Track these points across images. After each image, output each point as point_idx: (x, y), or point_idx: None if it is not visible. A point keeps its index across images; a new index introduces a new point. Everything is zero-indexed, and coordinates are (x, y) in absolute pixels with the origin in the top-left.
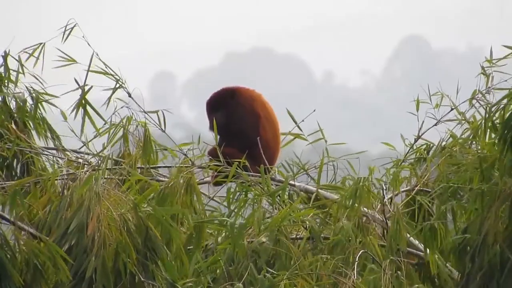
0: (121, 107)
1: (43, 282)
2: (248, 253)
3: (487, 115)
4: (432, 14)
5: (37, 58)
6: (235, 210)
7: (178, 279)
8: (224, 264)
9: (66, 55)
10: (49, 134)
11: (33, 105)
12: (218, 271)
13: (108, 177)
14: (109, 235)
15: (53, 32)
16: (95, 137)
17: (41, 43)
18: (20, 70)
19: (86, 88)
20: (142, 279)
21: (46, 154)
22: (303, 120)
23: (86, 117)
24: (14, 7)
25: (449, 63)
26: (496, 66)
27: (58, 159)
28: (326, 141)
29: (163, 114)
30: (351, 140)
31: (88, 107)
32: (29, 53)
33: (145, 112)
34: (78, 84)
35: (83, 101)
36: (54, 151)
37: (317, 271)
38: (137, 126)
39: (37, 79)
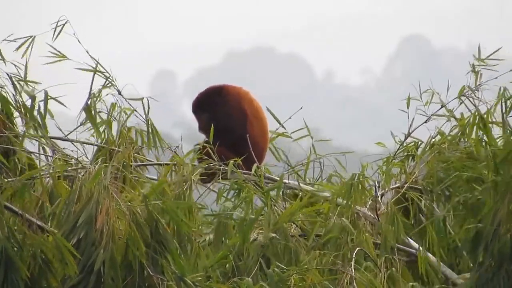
0: (102, 88)
1: (50, 276)
2: (257, 248)
3: (477, 113)
4: (432, 13)
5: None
6: (233, 207)
7: (188, 273)
8: (233, 259)
9: (57, 51)
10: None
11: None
12: (227, 266)
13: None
14: (118, 228)
15: (51, 32)
16: (81, 124)
17: (31, 36)
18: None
19: (89, 91)
20: (151, 273)
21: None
22: (290, 117)
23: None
24: (13, 7)
25: (449, 62)
26: (485, 64)
27: (45, 147)
28: (312, 138)
29: (148, 101)
30: (351, 139)
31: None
32: (8, 40)
33: (142, 115)
34: (90, 92)
35: (91, 109)
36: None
37: (326, 265)
38: (120, 111)
39: (16, 67)
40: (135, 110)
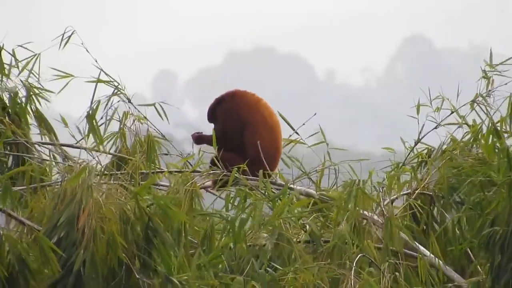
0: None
1: (29, 275)
2: (250, 248)
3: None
4: (433, 13)
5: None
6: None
7: (178, 272)
8: (226, 259)
9: (63, 72)
10: (44, 129)
11: (25, 99)
12: (220, 266)
13: (112, 182)
14: (103, 227)
15: (52, 32)
16: (90, 132)
17: (35, 54)
18: (14, 65)
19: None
20: (137, 276)
21: (40, 145)
22: (303, 124)
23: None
24: (14, 6)
25: (451, 62)
26: (496, 70)
27: (55, 155)
28: (327, 144)
29: (161, 107)
30: (353, 138)
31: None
32: (25, 48)
33: (148, 120)
34: (92, 101)
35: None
36: (50, 146)
37: (329, 272)
38: (134, 121)
39: (33, 74)
40: (146, 119)
